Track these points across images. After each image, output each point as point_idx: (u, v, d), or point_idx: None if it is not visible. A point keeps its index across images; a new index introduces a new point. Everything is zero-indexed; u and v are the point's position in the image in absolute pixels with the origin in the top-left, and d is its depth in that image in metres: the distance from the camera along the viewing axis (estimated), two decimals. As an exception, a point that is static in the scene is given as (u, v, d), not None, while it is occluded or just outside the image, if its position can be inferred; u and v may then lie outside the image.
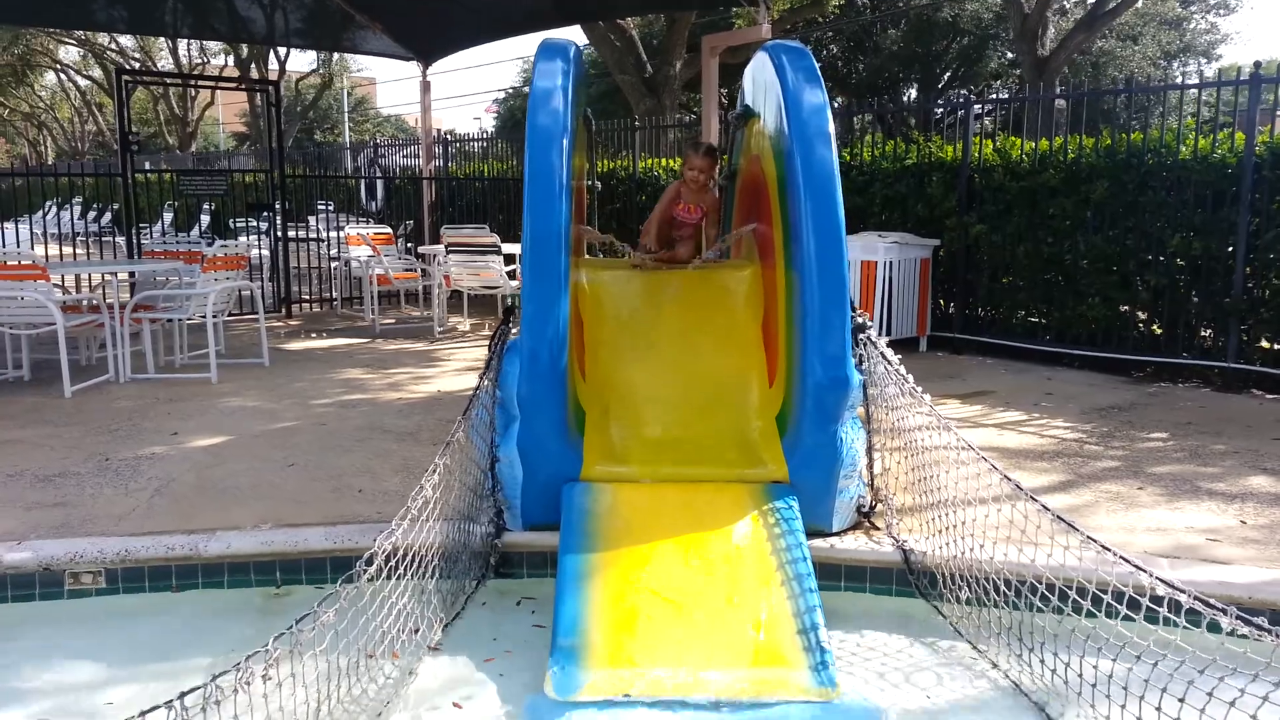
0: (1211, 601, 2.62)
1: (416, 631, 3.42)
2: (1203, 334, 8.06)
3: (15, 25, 30.27)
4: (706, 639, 3.41)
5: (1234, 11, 37.27)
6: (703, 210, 5.64)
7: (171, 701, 2.26)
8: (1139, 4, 26.84)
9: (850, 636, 3.68)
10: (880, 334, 8.79)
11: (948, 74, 30.80)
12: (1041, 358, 8.81)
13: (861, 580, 4.05)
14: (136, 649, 3.55)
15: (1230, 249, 7.60)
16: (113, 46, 37.55)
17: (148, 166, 21.06)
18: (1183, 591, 2.70)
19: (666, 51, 19.01)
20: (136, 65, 36.65)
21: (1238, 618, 2.52)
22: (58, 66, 42.85)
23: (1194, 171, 7.72)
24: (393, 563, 3.23)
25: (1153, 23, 30.99)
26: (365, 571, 3.07)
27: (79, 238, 17.48)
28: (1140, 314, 8.39)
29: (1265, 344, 7.68)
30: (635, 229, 12.87)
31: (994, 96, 12.85)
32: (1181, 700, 2.67)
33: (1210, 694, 2.58)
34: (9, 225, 12.99)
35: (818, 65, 4.79)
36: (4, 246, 10.25)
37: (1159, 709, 2.74)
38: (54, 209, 20.85)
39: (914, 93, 30.85)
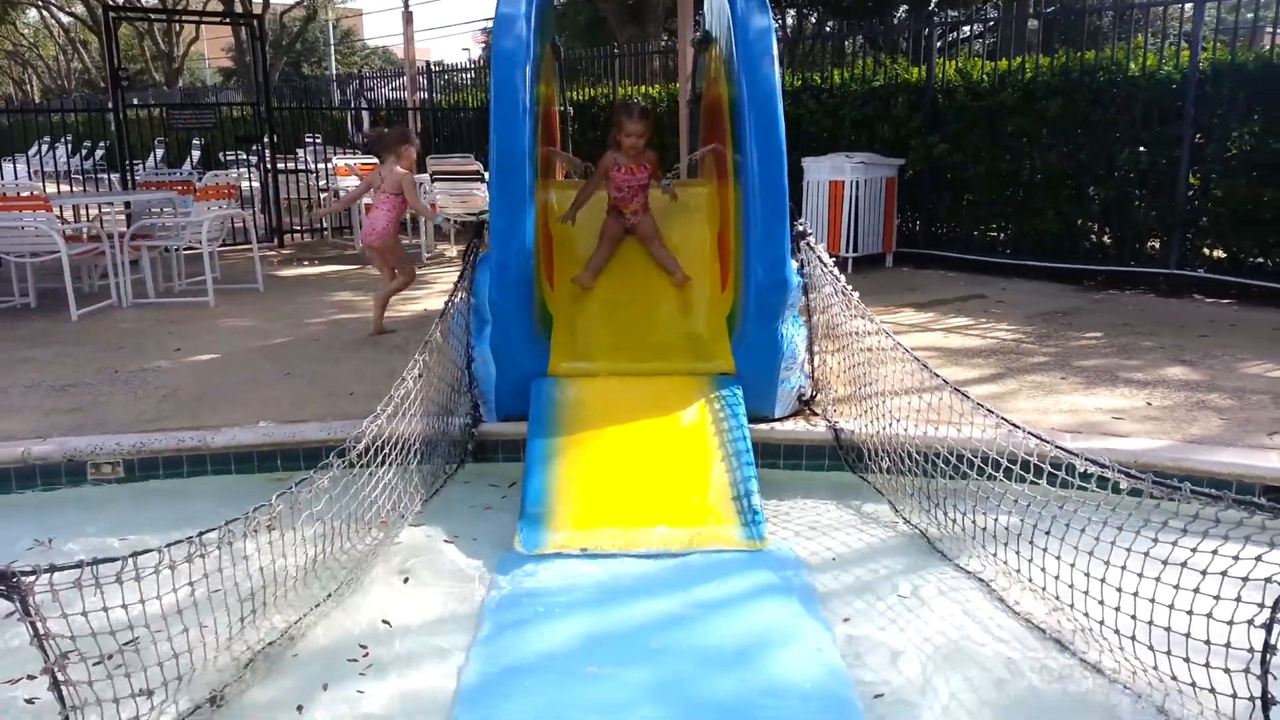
0: (1069, 448, 3.10)
1: (401, 504, 3.89)
2: (1150, 244, 8.48)
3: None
4: (653, 505, 3.90)
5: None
6: (647, 168, 5.39)
7: (192, 538, 2.73)
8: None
9: (785, 502, 4.18)
10: (848, 251, 9.32)
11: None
12: (999, 270, 9.24)
13: (798, 458, 4.54)
14: (154, 525, 4.01)
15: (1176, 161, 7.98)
16: (95, -19, 37.09)
17: (135, 103, 21.15)
18: (1049, 443, 3.17)
19: (649, -23, 19.00)
20: (121, 0, 36.25)
21: (1086, 459, 3.00)
22: (40, 3, 42.33)
23: (1141, 89, 8.06)
24: (379, 443, 3.69)
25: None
26: (354, 448, 3.53)
27: (71, 175, 17.75)
28: (1092, 226, 8.80)
29: (1206, 251, 8.11)
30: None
31: (953, 20, 13.00)
32: (1047, 533, 3.15)
33: (1068, 524, 3.07)
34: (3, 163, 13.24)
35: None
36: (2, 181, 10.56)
37: (1031, 542, 3.23)
38: (44, 148, 21.00)
39: (902, 13, 30.65)
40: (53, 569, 2.28)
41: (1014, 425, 3.34)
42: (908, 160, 9.75)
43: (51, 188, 14.31)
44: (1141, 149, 8.13)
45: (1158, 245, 8.43)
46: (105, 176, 16.42)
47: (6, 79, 52.49)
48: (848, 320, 4.61)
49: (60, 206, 8.61)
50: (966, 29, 13.34)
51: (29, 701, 2.82)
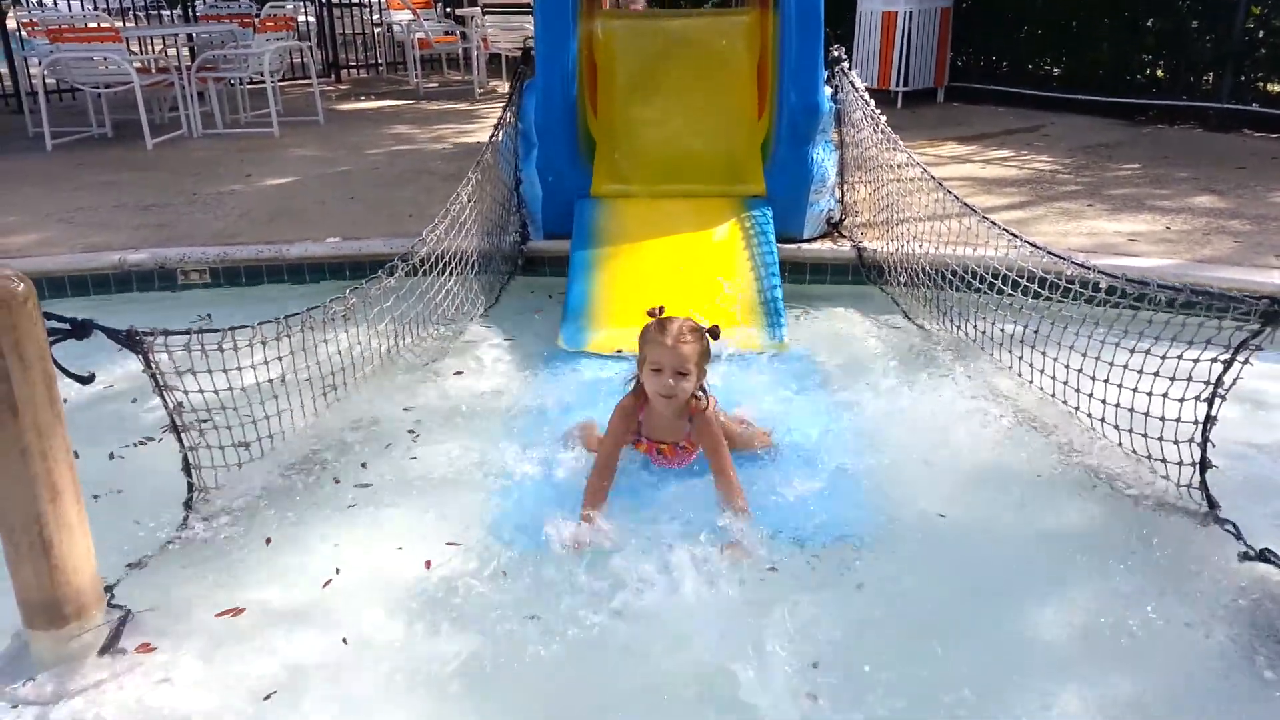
0: (1058, 253, 3.38)
1: (464, 307, 4.31)
2: (1205, 78, 8.36)
3: None
4: (685, 311, 4.23)
5: None
6: (690, 447, 2.96)
7: (278, 319, 3.17)
8: None
9: (810, 311, 4.55)
10: (899, 85, 9.30)
11: None
12: (1052, 105, 9.15)
13: (824, 274, 4.87)
14: (239, 322, 4.50)
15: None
16: None
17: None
18: (1041, 249, 3.45)
19: None
20: None
21: (1073, 262, 3.28)
22: None
23: (1208, -90, 7.81)
24: (439, 252, 4.08)
25: None
26: (417, 253, 3.92)
27: (134, 11, 17.87)
28: (1146, 58, 8.68)
29: (1261, 85, 8.00)
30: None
31: None
32: (1035, 332, 3.48)
33: (1053, 324, 3.39)
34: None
35: None
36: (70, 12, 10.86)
37: (1022, 341, 3.57)
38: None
39: None
40: (166, 333, 2.73)
41: (1012, 234, 3.61)
42: (964, -10, 9.57)
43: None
44: (1203, -24, 7.93)
45: (1211, 79, 8.31)
46: (162, 11, 16.56)
47: (57, -88, 51.67)
48: (875, 146, 4.81)
49: (127, 39, 8.92)
50: None
51: (125, 449, 3.37)
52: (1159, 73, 8.64)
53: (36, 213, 5.85)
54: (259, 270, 4.89)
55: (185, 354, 2.80)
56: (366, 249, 4.95)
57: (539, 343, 4.24)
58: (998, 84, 9.70)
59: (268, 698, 2.25)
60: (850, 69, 5.08)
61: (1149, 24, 8.39)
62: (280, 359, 3.17)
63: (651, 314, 2.95)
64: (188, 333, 2.80)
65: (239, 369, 3.01)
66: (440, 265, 4.09)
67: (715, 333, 2.88)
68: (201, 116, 8.56)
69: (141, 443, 3.45)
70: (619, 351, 4.08)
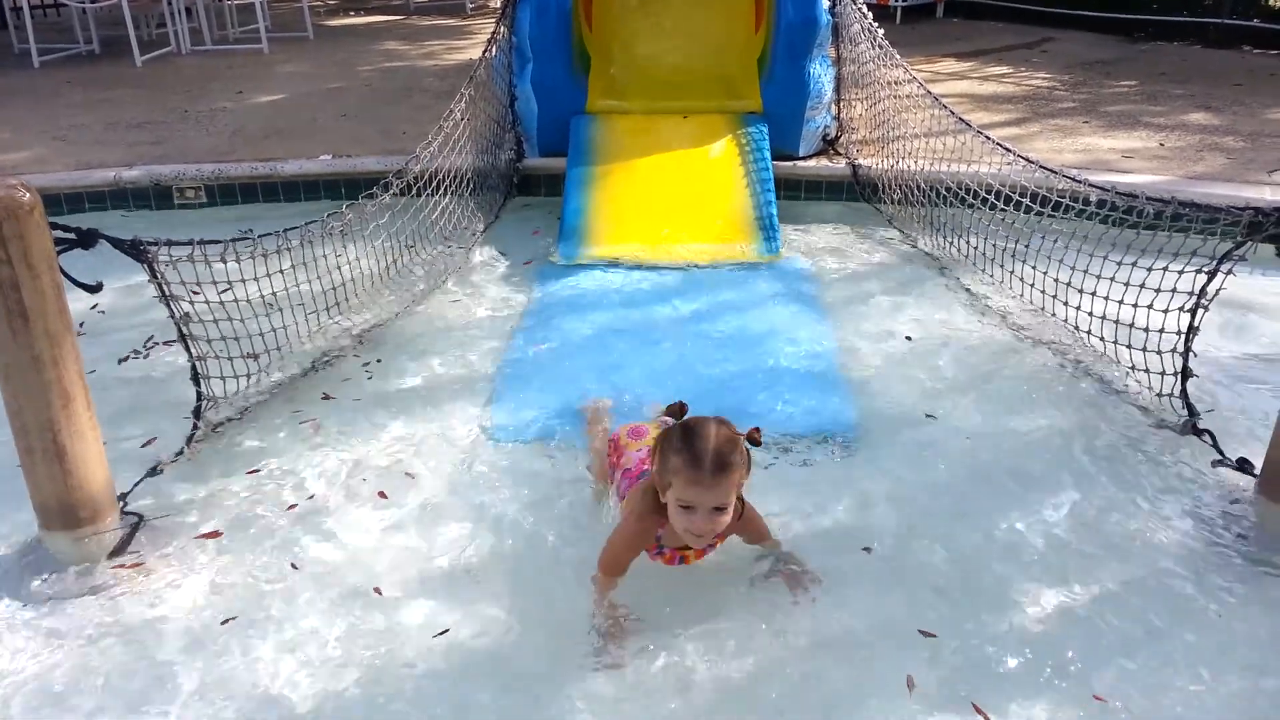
0: (1049, 166, 3.41)
1: (461, 225, 4.33)
2: (1207, -8, 8.27)
3: None
4: (680, 224, 4.32)
5: None
6: (719, 540, 2.25)
7: (278, 232, 3.19)
8: None
9: (805, 228, 4.58)
10: (896, 2, 9.17)
11: None
12: (1053, 20, 9.06)
13: (819, 192, 4.89)
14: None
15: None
16: None
17: None
18: (1033, 163, 3.48)
19: None
20: None
21: (1064, 174, 3.32)
22: None
23: None
24: (434, 169, 4.08)
25: None
26: (411, 170, 3.93)
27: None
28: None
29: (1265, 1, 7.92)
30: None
31: None
32: (1027, 247, 3.53)
33: (1043, 239, 3.44)
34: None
35: None
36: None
37: (1014, 256, 3.62)
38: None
39: None
40: (170, 242, 2.76)
41: (1006, 149, 3.64)
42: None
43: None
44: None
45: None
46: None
47: None
48: (873, 62, 4.79)
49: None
50: None
51: (122, 360, 3.43)
52: (1160, -12, 8.53)
53: (28, 130, 5.82)
54: (254, 189, 4.89)
55: (190, 265, 2.84)
56: (361, 166, 4.95)
57: (536, 258, 4.27)
58: (998, -1, 9.58)
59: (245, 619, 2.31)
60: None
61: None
62: (283, 272, 3.21)
63: (671, 413, 2.14)
64: (190, 243, 2.83)
65: (243, 281, 3.06)
66: (435, 183, 4.10)
67: (755, 438, 2.07)
68: (190, 33, 8.44)
69: (127, 357, 3.49)
70: (614, 260, 4.14)
